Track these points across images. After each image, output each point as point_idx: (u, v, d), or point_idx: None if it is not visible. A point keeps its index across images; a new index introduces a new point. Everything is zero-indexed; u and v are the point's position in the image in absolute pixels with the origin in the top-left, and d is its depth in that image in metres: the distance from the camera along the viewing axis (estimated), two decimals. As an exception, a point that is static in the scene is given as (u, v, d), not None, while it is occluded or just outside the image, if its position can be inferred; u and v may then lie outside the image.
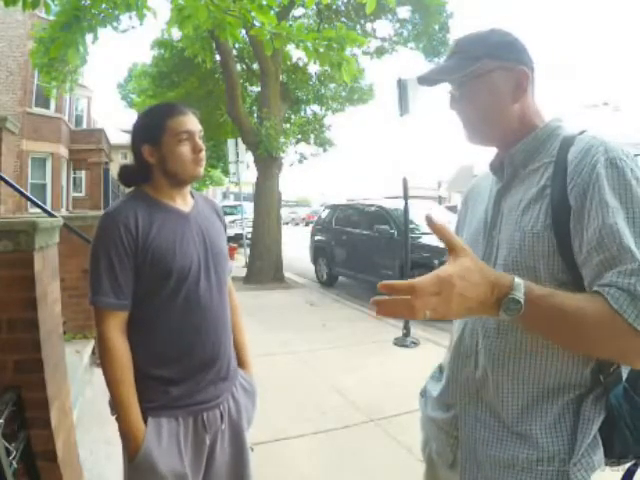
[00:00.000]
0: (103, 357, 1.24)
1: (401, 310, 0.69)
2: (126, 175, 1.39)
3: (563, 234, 0.83)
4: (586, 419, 0.86)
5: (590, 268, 0.78)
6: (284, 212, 16.64)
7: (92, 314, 1.30)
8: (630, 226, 0.75)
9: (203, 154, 1.33)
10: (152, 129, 1.30)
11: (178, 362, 1.29)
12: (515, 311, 0.71)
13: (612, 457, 0.89)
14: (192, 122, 1.32)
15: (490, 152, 1.05)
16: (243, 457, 1.42)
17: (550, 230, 0.84)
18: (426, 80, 0.99)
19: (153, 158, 1.31)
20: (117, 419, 1.29)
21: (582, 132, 0.91)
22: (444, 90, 1.02)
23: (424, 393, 1.16)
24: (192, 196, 1.43)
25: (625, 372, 0.88)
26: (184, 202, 1.38)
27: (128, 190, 1.44)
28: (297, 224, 33.50)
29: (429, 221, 0.74)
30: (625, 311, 0.70)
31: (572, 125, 0.95)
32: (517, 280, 0.72)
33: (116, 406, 1.24)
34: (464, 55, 0.94)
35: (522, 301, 0.71)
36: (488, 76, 0.93)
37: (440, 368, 1.14)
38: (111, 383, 1.23)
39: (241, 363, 1.54)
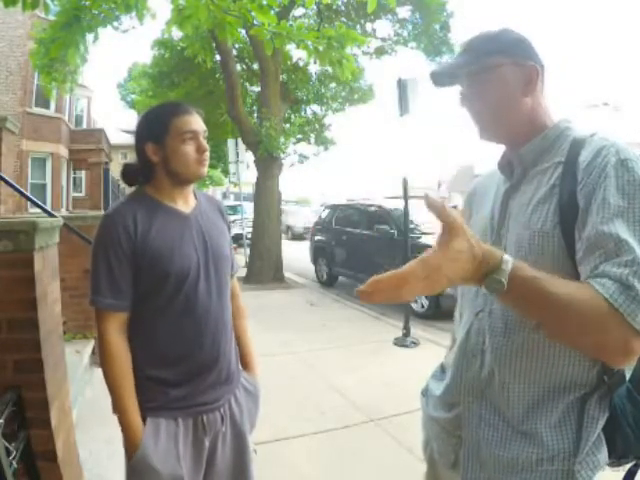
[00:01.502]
0: (102, 357, 1.24)
1: (389, 298, 0.72)
2: (129, 174, 1.39)
3: (570, 234, 0.83)
4: (591, 417, 0.86)
5: (587, 264, 0.78)
6: (284, 212, 16.61)
7: (93, 314, 1.30)
8: (631, 224, 0.75)
9: (207, 154, 1.33)
10: (156, 127, 1.30)
11: (177, 363, 1.29)
12: (497, 290, 0.73)
13: (614, 457, 0.89)
14: (197, 122, 1.32)
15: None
16: (245, 459, 1.42)
17: (559, 230, 0.84)
18: (439, 79, 1.00)
19: (156, 157, 1.30)
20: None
21: (593, 134, 0.90)
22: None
23: (426, 392, 1.15)
24: (195, 196, 1.43)
25: (628, 373, 0.88)
26: (185, 202, 1.37)
27: (129, 190, 1.44)
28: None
29: (427, 200, 0.72)
30: (616, 300, 0.70)
31: (581, 126, 0.96)
32: (505, 258, 0.73)
33: (115, 406, 1.24)
34: (475, 52, 0.95)
35: (504, 282, 0.72)
36: (498, 70, 0.93)
37: (442, 367, 1.14)
38: (110, 383, 1.23)
39: (245, 365, 1.53)
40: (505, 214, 0.97)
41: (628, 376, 0.88)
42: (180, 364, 1.29)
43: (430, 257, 0.71)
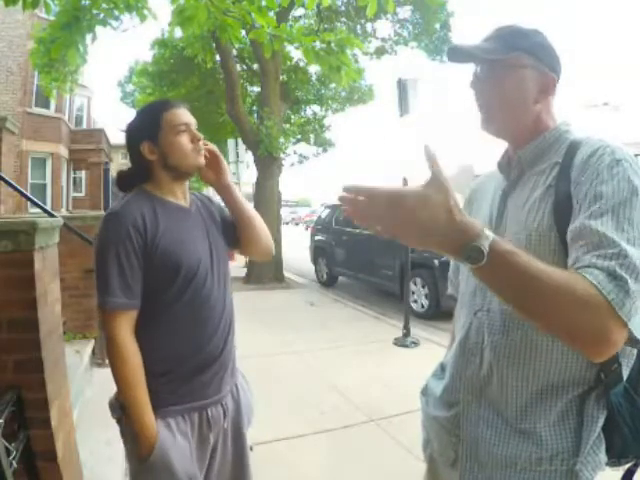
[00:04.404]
0: (114, 358, 1.21)
1: (357, 209, 0.73)
2: (125, 180, 1.38)
3: (565, 234, 0.83)
4: (590, 416, 0.86)
5: (571, 254, 0.78)
6: (284, 212, 16.62)
7: (93, 314, 1.30)
8: (620, 221, 0.75)
9: (202, 143, 1.34)
10: (149, 126, 1.30)
11: (187, 359, 1.29)
12: (476, 260, 0.70)
13: (612, 456, 0.89)
14: (187, 115, 1.34)
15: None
16: (244, 457, 1.42)
17: (555, 230, 0.85)
18: (455, 54, 0.98)
19: (153, 155, 1.31)
20: (118, 421, 1.29)
21: (590, 136, 0.91)
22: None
23: (425, 391, 1.16)
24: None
25: (626, 372, 0.88)
26: (185, 197, 1.39)
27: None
28: (297, 224, 33.81)
29: (426, 149, 0.73)
30: (604, 287, 0.69)
31: (580, 128, 0.96)
32: (487, 231, 0.71)
33: (128, 407, 1.22)
34: (504, 42, 0.94)
35: (485, 251, 0.69)
36: (521, 70, 0.93)
37: (442, 366, 1.14)
38: (123, 384, 1.21)
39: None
40: (503, 214, 0.98)
41: (626, 375, 0.88)
42: (190, 359, 1.29)
43: (400, 187, 0.72)
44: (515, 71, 0.93)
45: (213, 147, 1.40)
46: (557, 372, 0.87)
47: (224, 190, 1.42)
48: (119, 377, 1.21)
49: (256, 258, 1.60)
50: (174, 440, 1.23)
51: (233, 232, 1.45)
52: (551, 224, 0.85)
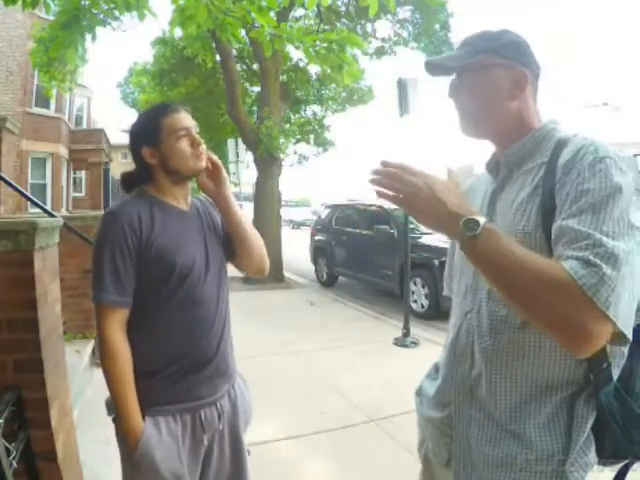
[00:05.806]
0: (103, 354, 1.24)
1: (384, 178, 0.85)
2: (128, 181, 1.40)
3: (550, 233, 0.83)
4: (580, 417, 0.86)
5: (554, 255, 0.80)
6: (284, 212, 16.60)
7: (92, 314, 1.30)
8: (597, 218, 0.76)
9: (202, 147, 1.34)
10: (149, 130, 1.32)
11: (178, 359, 1.29)
12: (472, 230, 0.78)
13: (604, 456, 0.89)
14: (187, 118, 1.34)
15: (490, 152, 1.05)
16: (241, 458, 1.42)
17: (541, 230, 0.85)
18: (434, 69, 1.02)
19: (154, 159, 1.32)
20: (114, 420, 1.29)
21: (576, 134, 0.91)
22: (445, 88, 1.03)
23: (420, 392, 1.16)
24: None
25: (617, 372, 0.88)
26: (185, 201, 1.40)
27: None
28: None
29: (449, 170, 0.89)
30: (576, 272, 0.72)
31: (568, 127, 0.96)
32: (480, 215, 0.81)
33: (116, 404, 1.24)
34: (470, 48, 0.97)
35: (481, 224, 0.78)
36: (488, 70, 0.95)
37: (436, 367, 1.15)
38: (111, 381, 1.23)
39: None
40: (492, 215, 0.99)
41: (616, 375, 0.88)
42: (183, 358, 1.29)
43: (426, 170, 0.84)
44: (485, 72, 0.95)
45: (215, 158, 1.40)
46: (546, 374, 0.87)
47: (222, 201, 1.41)
48: (107, 372, 1.23)
49: (248, 273, 1.59)
50: (160, 438, 1.23)
51: (228, 243, 1.45)
52: (537, 224, 0.86)
